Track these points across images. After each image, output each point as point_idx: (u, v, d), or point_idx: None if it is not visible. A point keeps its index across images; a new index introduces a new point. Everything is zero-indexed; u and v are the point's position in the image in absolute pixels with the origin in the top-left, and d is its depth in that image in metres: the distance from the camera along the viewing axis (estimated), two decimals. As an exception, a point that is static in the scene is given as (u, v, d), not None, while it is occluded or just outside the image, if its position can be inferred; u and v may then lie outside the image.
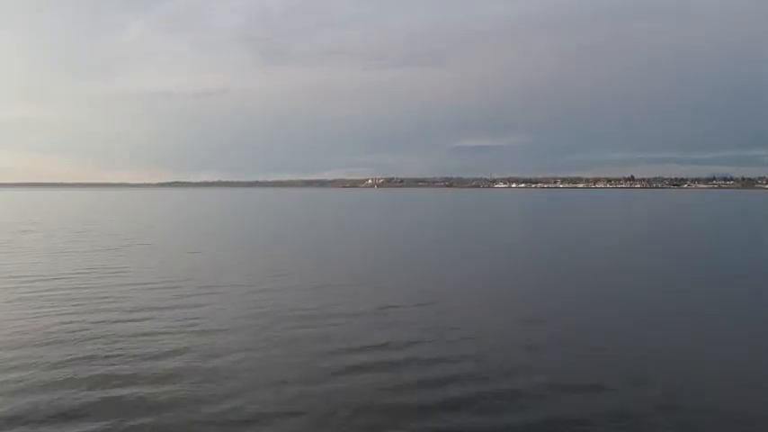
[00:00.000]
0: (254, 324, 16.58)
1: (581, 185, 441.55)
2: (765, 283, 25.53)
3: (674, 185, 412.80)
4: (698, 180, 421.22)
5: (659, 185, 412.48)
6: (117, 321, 16.72)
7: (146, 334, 15.37)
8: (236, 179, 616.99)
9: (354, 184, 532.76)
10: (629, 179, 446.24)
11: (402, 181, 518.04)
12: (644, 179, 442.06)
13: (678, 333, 15.94)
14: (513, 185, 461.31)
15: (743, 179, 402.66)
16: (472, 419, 10.17)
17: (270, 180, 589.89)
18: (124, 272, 26.24)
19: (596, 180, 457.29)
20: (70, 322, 16.55)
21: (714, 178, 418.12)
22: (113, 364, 12.87)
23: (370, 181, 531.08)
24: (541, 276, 26.46)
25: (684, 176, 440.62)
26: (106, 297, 20.23)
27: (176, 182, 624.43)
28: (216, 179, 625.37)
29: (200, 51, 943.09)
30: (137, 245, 38.04)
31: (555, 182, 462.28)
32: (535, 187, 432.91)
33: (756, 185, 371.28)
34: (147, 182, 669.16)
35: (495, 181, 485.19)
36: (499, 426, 9.99)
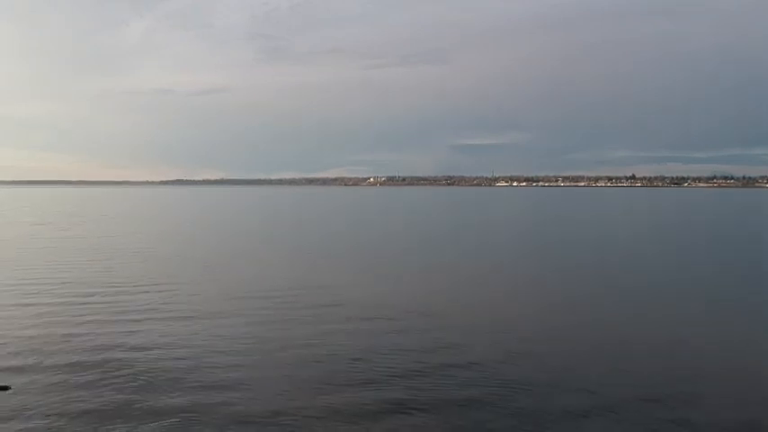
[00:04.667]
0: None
1: (582, 184, 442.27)
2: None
3: (674, 184, 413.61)
4: (699, 179, 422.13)
5: (660, 184, 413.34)
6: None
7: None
8: (238, 177, 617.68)
9: (356, 182, 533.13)
10: (630, 178, 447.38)
11: (404, 179, 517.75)
12: (645, 178, 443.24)
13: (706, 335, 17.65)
14: (515, 184, 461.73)
15: (744, 178, 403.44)
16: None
17: (272, 178, 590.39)
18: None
19: (597, 179, 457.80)
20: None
21: (715, 177, 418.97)
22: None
23: (371, 179, 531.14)
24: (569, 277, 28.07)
25: (685, 175, 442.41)
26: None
27: (179, 179, 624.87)
28: (218, 177, 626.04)
29: (204, 49, 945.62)
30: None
31: (556, 180, 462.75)
32: (536, 186, 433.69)
33: (757, 184, 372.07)
34: (150, 179, 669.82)
35: (496, 179, 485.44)
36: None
